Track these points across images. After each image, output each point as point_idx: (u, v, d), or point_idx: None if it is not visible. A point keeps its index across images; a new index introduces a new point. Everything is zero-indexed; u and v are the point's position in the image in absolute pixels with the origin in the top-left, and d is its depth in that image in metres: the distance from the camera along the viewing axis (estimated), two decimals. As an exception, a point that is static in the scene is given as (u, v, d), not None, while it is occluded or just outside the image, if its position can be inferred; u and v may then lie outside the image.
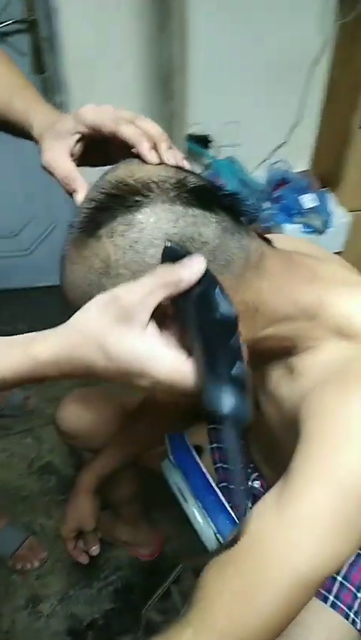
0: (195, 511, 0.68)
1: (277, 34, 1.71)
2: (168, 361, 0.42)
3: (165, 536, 1.42)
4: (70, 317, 0.45)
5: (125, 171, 0.50)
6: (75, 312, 0.52)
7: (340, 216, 1.86)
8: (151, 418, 0.94)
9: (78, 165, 0.57)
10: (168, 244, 0.46)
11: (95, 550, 0.99)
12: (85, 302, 0.46)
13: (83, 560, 1.01)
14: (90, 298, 0.47)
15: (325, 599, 0.72)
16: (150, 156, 0.52)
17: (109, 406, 1.03)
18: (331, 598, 0.72)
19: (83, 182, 0.55)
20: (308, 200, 1.80)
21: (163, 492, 1.48)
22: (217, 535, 0.66)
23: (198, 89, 1.64)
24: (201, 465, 0.75)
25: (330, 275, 0.58)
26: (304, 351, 0.57)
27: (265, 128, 1.85)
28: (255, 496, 0.84)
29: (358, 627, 0.71)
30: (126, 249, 0.46)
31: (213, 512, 0.68)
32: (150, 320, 0.42)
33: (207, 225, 0.48)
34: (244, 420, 0.42)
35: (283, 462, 0.52)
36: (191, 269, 0.43)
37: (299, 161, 2.02)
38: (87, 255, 0.48)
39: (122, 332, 0.41)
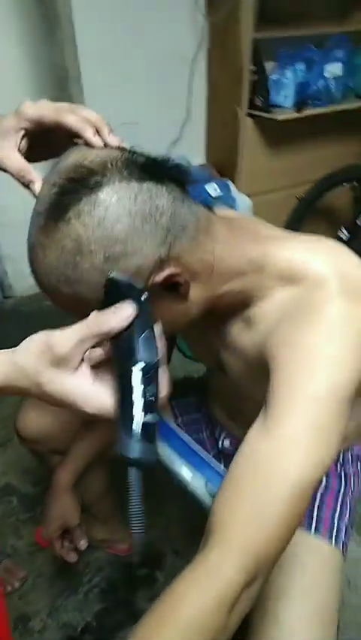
0: (184, 468, 0.73)
1: (156, 35, 1.80)
2: (94, 398, 0.48)
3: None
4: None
5: (77, 157, 0.54)
6: (52, 295, 0.56)
7: (243, 201, 1.99)
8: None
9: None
10: (111, 275, 0.51)
11: (83, 544, 1.00)
12: (62, 284, 0.52)
13: (72, 558, 1.01)
14: (67, 280, 0.52)
15: (308, 528, 0.80)
16: (95, 140, 0.56)
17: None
18: (313, 525, 0.80)
19: (37, 173, 0.58)
20: (212, 190, 1.92)
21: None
22: (208, 484, 0.72)
23: (93, 94, 1.69)
24: (178, 431, 0.80)
25: (267, 232, 0.67)
26: (258, 301, 0.64)
27: (160, 126, 1.95)
28: (227, 456, 0.91)
29: (340, 548, 0.80)
30: (95, 226, 0.50)
31: (199, 467, 0.74)
32: (81, 362, 0.49)
33: (161, 197, 0.53)
34: (150, 463, 0.47)
35: (250, 414, 0.58)
36: (120, 317, 0.48)
37: (196, 155, 2.14)
38: (59, 238, 0.51)
39: (55, 374, 0.48)
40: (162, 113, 1.94)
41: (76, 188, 0.51)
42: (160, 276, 0.54)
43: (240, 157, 2.09)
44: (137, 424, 0.46)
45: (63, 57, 1.44)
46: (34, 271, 0.56)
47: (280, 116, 1.94)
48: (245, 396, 0.76)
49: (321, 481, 0.85)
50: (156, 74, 1.87)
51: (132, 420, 0.46)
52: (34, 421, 1.05)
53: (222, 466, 0.75)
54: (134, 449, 0.46)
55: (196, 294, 0.60)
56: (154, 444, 0.47)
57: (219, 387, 0.88)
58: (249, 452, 0.54)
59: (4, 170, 0.59)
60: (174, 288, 0.57)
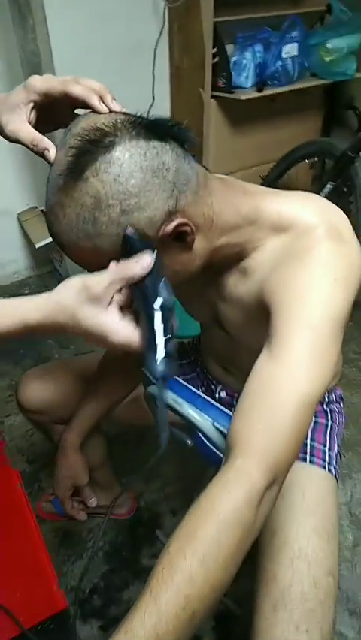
0: (191, 411, 0.80)
1: (121, 21, 1.84)
2: (121, 331, 0.58)
3: (137, 492, 1.53)
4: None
5: (88, 122, 0.59)
6: (71, 251, 0.62)
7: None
8: (116, 368, 1.03)
9: None
10: (128, 233, 0.58)
11: (93, 501, 1.05)
12: (82, 239, 0.59)
13: (82, 516, 1.06)
14: (87, 234, 0.58)
15: (304, 460, 0.89)
16: (101, 107, 0.62)
17: (69, 374, 1.10)
18: (308, 457, 0.90)
19: (49, 141, 0.63)
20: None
21: (127, 453, 1.58)
22: (215, 424, 0.80)
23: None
24: (180, 380, 0.88)
25: (254, 189, 0.74)
26: (252, 252, 0.72)
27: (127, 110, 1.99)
28: (225, 405, 0.98)
29: (333, 473, 0.90)
30: (112, 182, 0.56)
31: (205, 409, 0.81)
32: (110, 301, 0.58)
33: (165, 154, 0.59)
34: (169, 377, 0.59)
35: (245, 364, 0.65)
36: (142, 265, 0.57)
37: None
38: (78, 196, 0.57)
39: (91, 309, 0.57)
40: (129, 97, 1.93)
41: (91, 148, 0.56)
42: (170, 226, 0.60)
43: (206, 138, 2.16)
44: (160, 349, 0.57)
45: (36, 43, 1.46)
46: (54, 230, 0.62)
47: (243, 95, 2.01)
48: (242, 346, 0.83)
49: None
50: (122, 60, 1.91)
51: (156, 346, 0.57)
52: (36, 391, 1.10)
53: (224, 409, 0.83)
54: (160, 368, 0.57)
55: (199, 245, 0.67)
56: (173, 363, 0.59)
57: (215, 342, 0.95)
58: (258, 377, 0.62)
59: (18, 142, 0.64)
60: (181, 238, 0.63)
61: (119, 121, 0.59)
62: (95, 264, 0.60)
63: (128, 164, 0.56)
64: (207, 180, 0.66)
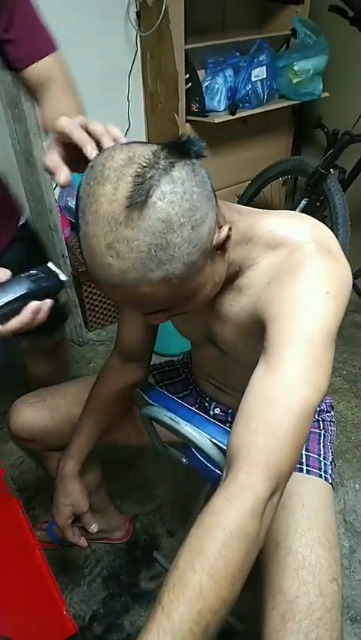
0: (188, 428, 0.82)
1: (95, 49, 1.89)
2: None
3: (133, 515, 1.52)
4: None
5: (124, 153, 0.57)
6: (132, 292, 0.59)
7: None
8: (110, 391, 1.03)
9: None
10: None
11: (94, 527, 1.04)
12: (151, 270, 0.56)
13: (83, 543, 1.05)
14: (159, 262, 0.56)
15: (301, 470, 0.91)
16: (92, 156, 0.62)
17: (61, 400, 1.10)
18: (304, 467, 0.91)
19: (66, 169, 0.65)
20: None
21: (125, 475, 1.56)
22: (212, 440, 0.81)
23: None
24: (176, 398, 0.89)
25: (245, 209, 0.77)
26: (247, 271, 0.74)
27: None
28: (219, 421, 0.99)
29: (329, 482, 0.92)
30: (180, 201, 0.55)
31: (202, 426, 0.83)
32: None
33: (200, 169, 0.60)
34: None
35: (238, 380, 0.67)
36: None
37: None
38: (147, 225, 0.54)
39: None
40: (106, 122, 2.02)
41: (152, 172, 0.55)
42: (223, 232, 0.63)
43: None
44: None
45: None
46: (112, 271, 0.57)
47: (217, 119, 2.07)
48: (236, 363, 0.85)
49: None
50: (97, 86, 1.95)
51: None
52: (29, 419, 1.09)
53: (221, 425, 0.85)
54: None
55: (227, 255, 0.70)
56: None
57: (208, 360, 0.97)
58: (256, 389, 0.64)
59: (47, 171, 0.67)
60: (223, 246, 0.65)
61: (156, 146, 0.59)
62: (159, 297, 0.60)
63: (187, 180, 0.57)
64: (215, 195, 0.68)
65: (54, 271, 0.73)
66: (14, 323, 0.69)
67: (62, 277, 0.69)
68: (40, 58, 0.94)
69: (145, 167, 0.55)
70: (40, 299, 0.71)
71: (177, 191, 0.55)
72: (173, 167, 0.56)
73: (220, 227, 0.64)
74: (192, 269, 0.60)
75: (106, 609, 1.33)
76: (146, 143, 0.62)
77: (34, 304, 0.68)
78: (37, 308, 0.69)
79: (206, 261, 0.63)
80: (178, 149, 0.58)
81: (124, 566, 1.41)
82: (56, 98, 0.94)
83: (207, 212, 0.59)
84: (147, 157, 0.56)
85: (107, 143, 0.64)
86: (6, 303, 0.67)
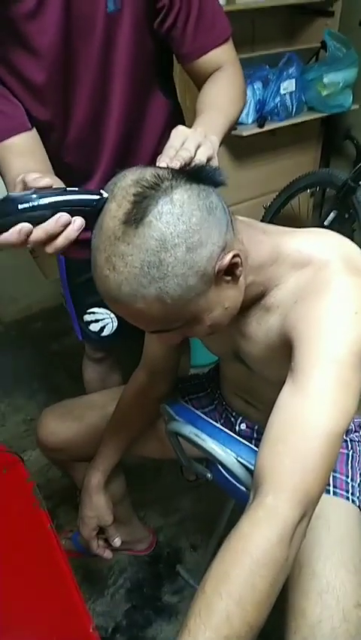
0: (215, 446, 0.82)
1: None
2: None
3: (156, 527, 1.52)
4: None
5: (134, 175, 0.60)
6: (127, 306, 0.61)
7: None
8: (137, 403, 1.04)
9: None
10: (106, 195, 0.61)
11: (117, 541, 1.05)
12: (144, 287, 0.58)
13: (108, 555, 1.06)
14: (151, 279, 0.58)
15: (328, 492, 0.89)
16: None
17: (88, 411, 1.12)
18: (331, 489, 0.90)
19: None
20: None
21: (149, 486, 1.57)
22: (238, 458, 0.81)
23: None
24: (202, 415, 0.90)
25: (271, 228, 0.77)
26: (275, 290, 0.74)
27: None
28: (245, 437, 0.99)
29: (357, 504, 0.90)
30: (176, 222, 0.57)
31: (228, 444, 0.83)
32: None
33: (211, 194, 0.62)
34: None
35: (265, 396, 0.67)
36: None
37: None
38: (141, 242, 0.56)
39: None
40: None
41: (152, 193, 0.58)
42: (226, 259, 0.62)
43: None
44: None
45: None
46: (109, 285, 0.60)
47: (245, 132, 2.08)
48: (264, 379, 0.85)
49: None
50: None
51: None
52: (57, 430, 1.11)
53: (247, 443, 0.85)
54: None
55: (241, 281, 0.69)
56: None
57: (235, 375, 0.97)
58: (283, 410, 0.63)
59: None
60: (231, 272, 0.65)
61: (167, 170, 0.61)
62: (155, 315, 0.61)
63: (188, 203, 0.58)
64: (234, 220, 0.69)
65: (99, 191, 0.66)
66: (39, 232, 0.63)
67: (104, 194, 0.63)
68: (211, 49, 0.95)
69: (147, 187, 0.58)
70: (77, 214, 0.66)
71: (174, 212, 0.57)
72: (175, 189, 0.58)
73: (227, 253, 0.63)
74: (189, 291, 0.60)
75: (129, 621, 1.33)
76: (166, 168, 0.63)
77: (62, 215, 0.63)
78: (66, 221, 0.64)
79: (208, 286, 0.63)
80: (187, 174, 0.61)
81: (147, 579, 1.42)
82: (216, 86, 0.97)
83: (208, 236, 0.60)
84: (151, 179, 0.59)
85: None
86: (35, 206, 0.62)
